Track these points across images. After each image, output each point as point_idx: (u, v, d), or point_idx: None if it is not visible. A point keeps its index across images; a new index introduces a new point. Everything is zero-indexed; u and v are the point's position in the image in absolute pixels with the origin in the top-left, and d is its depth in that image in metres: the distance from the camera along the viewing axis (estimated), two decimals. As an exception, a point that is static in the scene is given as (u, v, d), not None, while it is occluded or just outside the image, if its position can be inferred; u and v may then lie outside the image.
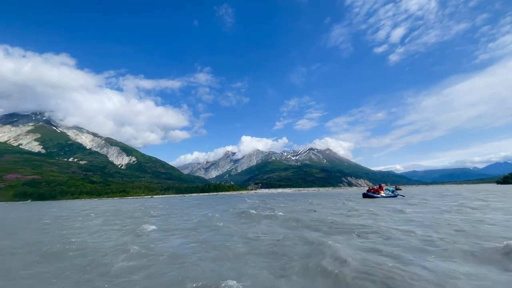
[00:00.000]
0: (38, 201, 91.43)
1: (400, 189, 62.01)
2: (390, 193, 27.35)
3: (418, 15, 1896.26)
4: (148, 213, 21.57)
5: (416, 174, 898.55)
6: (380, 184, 29.65)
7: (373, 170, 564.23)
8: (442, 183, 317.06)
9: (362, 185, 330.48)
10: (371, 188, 28.44)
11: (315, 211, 15.95)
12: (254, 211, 15.45)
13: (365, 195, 26.62)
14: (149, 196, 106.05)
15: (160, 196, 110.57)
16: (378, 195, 25.82)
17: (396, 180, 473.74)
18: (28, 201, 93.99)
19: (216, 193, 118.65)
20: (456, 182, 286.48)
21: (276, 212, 15.10)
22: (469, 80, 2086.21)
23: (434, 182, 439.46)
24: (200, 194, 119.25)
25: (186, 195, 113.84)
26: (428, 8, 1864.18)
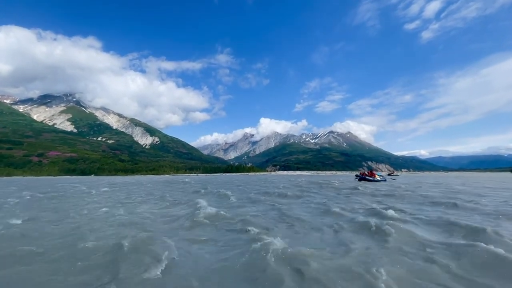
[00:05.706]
0: (99, 176, 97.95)
1: (398, 175, 64.60)
2: (381, 177, 30.33)
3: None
4: (258, 183, 27.14)
5: (442, 160, 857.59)
6: (371, 170, 32.61)
7: (395, 155, 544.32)
8: (471, 170, 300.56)
9: (383, 170, 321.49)
10: (364, 172, 30.90)
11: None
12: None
13: (361, 179, 28.62)
14: (195, 174, 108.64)
15: (204, 174, 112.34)
16: (374, 179, 28.14)
17: (419, 166, 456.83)
18: (92, 175, 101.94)
19: (239, 173, 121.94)
20: (486, 170, 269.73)
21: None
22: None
23: (461, 169, 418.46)
24: (224, 173, 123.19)
25: (225, 174, 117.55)
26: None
